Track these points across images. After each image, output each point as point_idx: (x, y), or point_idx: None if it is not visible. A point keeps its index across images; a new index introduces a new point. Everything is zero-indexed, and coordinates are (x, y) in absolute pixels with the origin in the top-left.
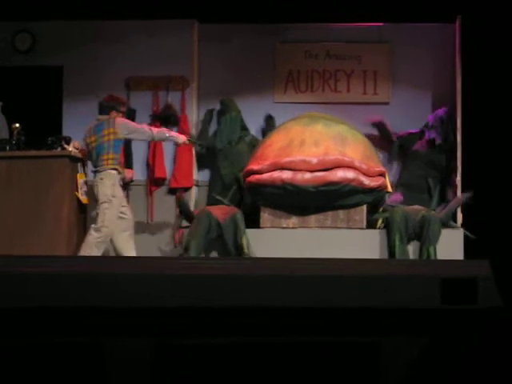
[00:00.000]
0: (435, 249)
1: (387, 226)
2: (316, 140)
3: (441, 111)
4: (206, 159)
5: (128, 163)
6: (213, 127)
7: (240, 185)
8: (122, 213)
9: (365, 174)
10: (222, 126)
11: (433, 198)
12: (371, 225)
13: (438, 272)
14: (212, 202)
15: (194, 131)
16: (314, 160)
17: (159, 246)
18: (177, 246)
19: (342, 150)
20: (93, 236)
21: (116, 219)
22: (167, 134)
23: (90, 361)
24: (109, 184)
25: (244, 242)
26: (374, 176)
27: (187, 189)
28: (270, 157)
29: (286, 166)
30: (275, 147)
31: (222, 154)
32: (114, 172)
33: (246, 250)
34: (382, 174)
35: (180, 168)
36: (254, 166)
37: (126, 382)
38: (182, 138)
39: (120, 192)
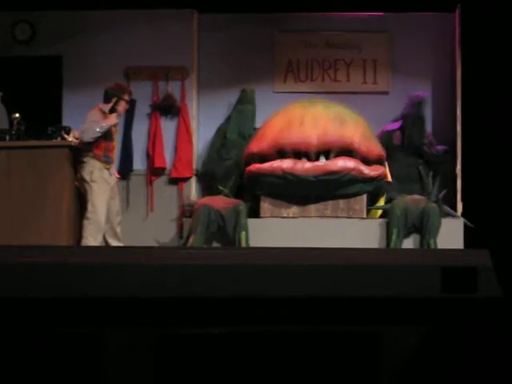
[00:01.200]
0: (435, 241)
1: (388, 217)
2: (315, 120)
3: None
4: (212, 147)
5: (128, 153)
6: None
7: (241, 174)
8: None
9: (364, 156)
10: (236, 114)
11: (432, 189)
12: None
13: (438, 261)
14: (213, 191)
15: (194, 121)
16: (314, 139)
17: (159, 235)
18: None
19: (342, 130)
20: (84, 224)
21: (104, 205)
22: (97, 129)
23: (89, 352)
24: (87, 170)
25: (242, 237)
26: (373, 157)
27: (187, 179)
28: (269, 137)
29: (285, 146)
30: (274, 128)
31: (231, 143)
32: (92, 160)
33: (243, 246)
34: (381, 159)
35: (180, 158)
36: (254, 148)
37: (126, 373)
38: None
39: (100, 179)
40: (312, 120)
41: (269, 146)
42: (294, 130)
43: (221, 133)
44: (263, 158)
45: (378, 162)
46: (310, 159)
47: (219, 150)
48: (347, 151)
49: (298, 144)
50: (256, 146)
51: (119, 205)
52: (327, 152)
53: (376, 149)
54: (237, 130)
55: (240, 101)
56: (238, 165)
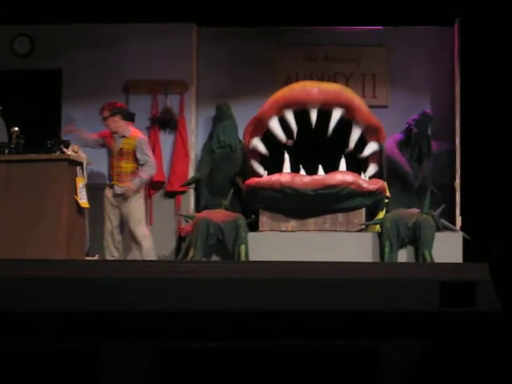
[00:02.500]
0: (430, 253)
1: (380, 231)
2: (318, 84)
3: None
4: (202, 162)
5: None
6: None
7: (237, 189)
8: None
9: (365, 119)
10: (219, 131)
11: (425, 202)
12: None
13: (436, 275)
14: (209, 205)
15: (192, 135)
16: (315, 92)
17: (159, 249)
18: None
19: (343, 91)
20: None
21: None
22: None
23: (88, 366)
24: None
25: (242, 250)
26: (374, 125)
27: (183, 192)
28: (271, 100)
29: (287, 101)
30: (277, 95)
31: (219, 158)
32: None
33: (242, 259)
34: (380, 130)
35: (175, 172)
36: (256, 115)
37: None
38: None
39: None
40: (314, 83)
41: (269, 106)
42: (296, 88)
43: (208, 150)
44: (262, 122)
45: (377, 131)
46: (310, 118)
47: (209, 166)
48: (348, 109)
49: (298, 96)
50: (259, 111)
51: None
52: (328, 111)
53: (376, 119)
54: (222, 143)
55: (218, 117)
56: (230, 177)
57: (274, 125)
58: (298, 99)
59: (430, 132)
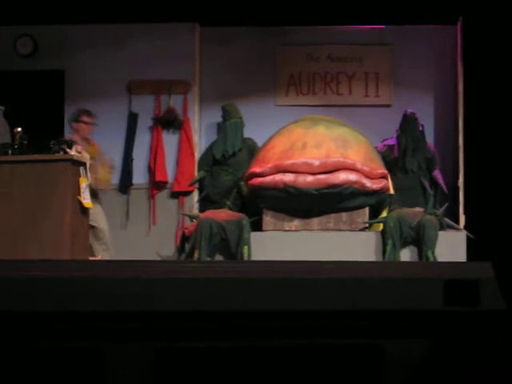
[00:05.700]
0: (433, 253)
1: (383, 230)
2: (318, 142)
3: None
4: (206, 165)
5: (128, 167)
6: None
7: (240, 190)
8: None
9: (367, 177)
10: (226, 132)
11: (428, 201)
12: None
13: (440, 274)
14: (211, 207)
15: (196, 135)
16: (316, 162)
17: (161, 249)
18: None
19: (344, 152)
20: None
21: None
22: None
23: (89, 366)
24: None
25: (245, 251)
26: (376, 178)
27: (189, 192)
28: (272, 160)
29: (288, 169)
30: (277, 150)
31: (224, 162)
32: None
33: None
34: (384, 176)
35: (182, 172)
36: (257, 169)
37: None
38: None
39: None
40: (314, 142)
41: (271, 169)
42: (297, 153)
43: (211, 149)
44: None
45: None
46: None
47: (210, 165)
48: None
49: (300, 167)
50: (258, 167)
51: None
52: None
53: (379, 169)
54: (228, 145)
55: (223, 118)
56: (235, 181)
57: None
58: (300, 170)
59: (419, 132)
